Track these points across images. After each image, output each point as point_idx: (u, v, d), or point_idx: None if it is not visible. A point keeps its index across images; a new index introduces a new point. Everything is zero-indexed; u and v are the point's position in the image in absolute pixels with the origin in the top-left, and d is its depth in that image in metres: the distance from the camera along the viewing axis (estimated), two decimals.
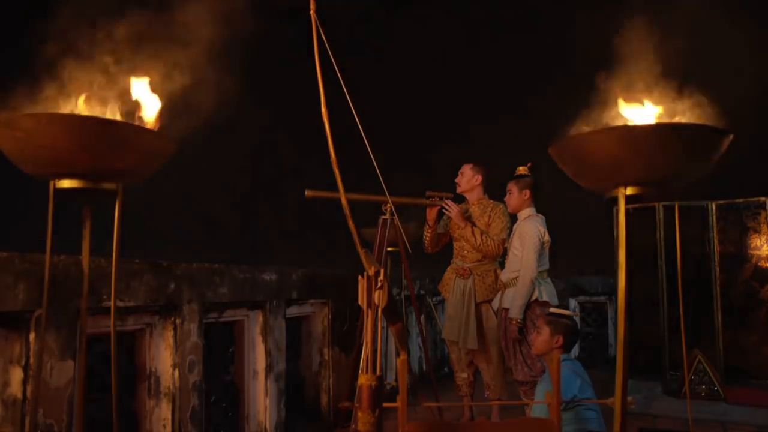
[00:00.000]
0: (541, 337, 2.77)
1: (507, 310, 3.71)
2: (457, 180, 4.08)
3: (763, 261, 5.30)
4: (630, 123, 1.77)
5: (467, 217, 3.96)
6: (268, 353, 3.49)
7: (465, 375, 4.06)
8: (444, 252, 4.24)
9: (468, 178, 4.04)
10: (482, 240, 3.86)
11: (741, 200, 5.42)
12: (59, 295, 2.23)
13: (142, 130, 1.77)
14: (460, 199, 4.07)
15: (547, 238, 3.70)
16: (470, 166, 4.06)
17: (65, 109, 1.78)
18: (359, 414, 1.39)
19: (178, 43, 1.92)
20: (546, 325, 2.78)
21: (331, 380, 4.14)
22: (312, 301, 4.11)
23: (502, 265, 3.94)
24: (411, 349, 5.57)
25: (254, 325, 3.51)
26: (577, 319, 2.95)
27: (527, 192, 3.78)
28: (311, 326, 4.20)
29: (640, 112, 1.79)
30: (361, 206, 3.62)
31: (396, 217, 3.63)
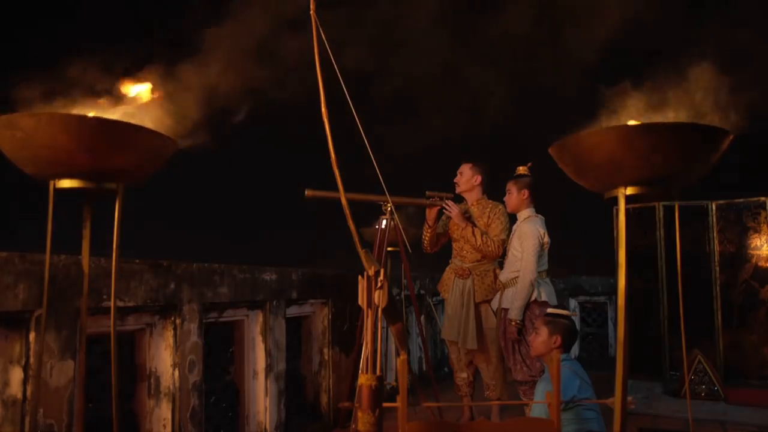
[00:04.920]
0: (540, 338, 2.77)
1: (506, 310, 3.71)
2: (456, 180, 4.07)
3: (763, 261, 5.30)
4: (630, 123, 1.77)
5: (467, 218, 3.96)
6: (268, 353, 3.48)
7: (465, 375, 4.06)
8: (444, 252, 4.24)
9: (467, 178, 4.03)
10: (482, 240, 3.86)
11: (741, 200, 5.42)
12: (59, 295, 2.23)
13: (142, 130, 1.77)
14: (459, 199, 4.07)
15: (546, 239, 3.70)
16: (470, 165, 4.04)
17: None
18: (359, 414, 1.39)
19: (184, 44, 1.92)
20: (544, 325, 2.78)
21: (331, 380, 4.14)
22: (312, 301, 4.11)
23: (501, 265, 3.94)
24: (411, 349, 5.57)
25: (254, 325, 3.51)
26: (575, 318, 2.95)
27: (526, 192, 3.78)
28: (311, 326, 4.20)
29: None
30: (361, 206, 3.63)
31: (396, 217, 3.64)
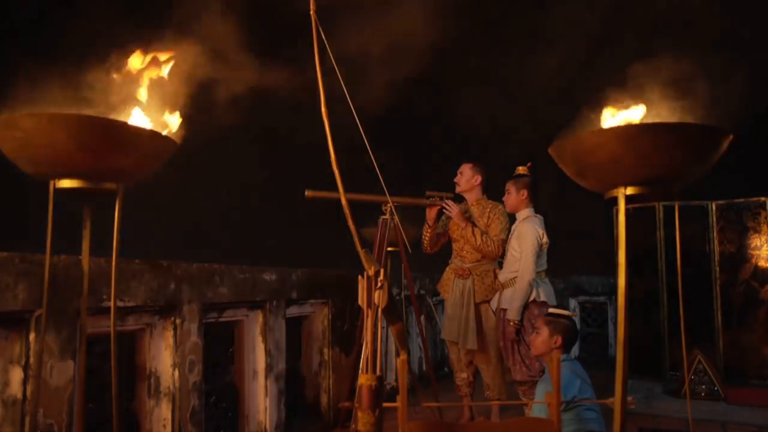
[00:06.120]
0: (540, 338, 2.77)
1: (505, 310, 3.71)
2: (456, 180, 4.08)
3: (763, 261, 5.30)
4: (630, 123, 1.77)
5: (467, 217, 3.96)
6: (268, 353, 3.48)
7: (464, 375, 4.06)
8: (444, 252, 4.24)
9: (467, 178, 4.03)
10: (482, 240, 3.86)
11: (741, 200, 5.42)
12: (59, 295, 2.23)
13: (142, 130, 1.77)
14: (459, 198, 4.07)
15: (545, 239, 3.70)
16: (470, 165, 4.05)
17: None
18: (359, 414, 1.39)
19: (183, 38, 1.92)
20: (545, 325, 2.78)
21: (331, 380, 4.14)
22: (312, 301, 4.11)
23: (501, 266, 3.94)
24: (411, 349, 5.57)
25: (254, 325, 3.51)
26: (576, 319, 2.95)
27: (525, 192, 3.78)
28: (311, 326, 4.20)
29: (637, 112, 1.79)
30: (361, 206, 3.63)
31: (396, 217, 3.64)
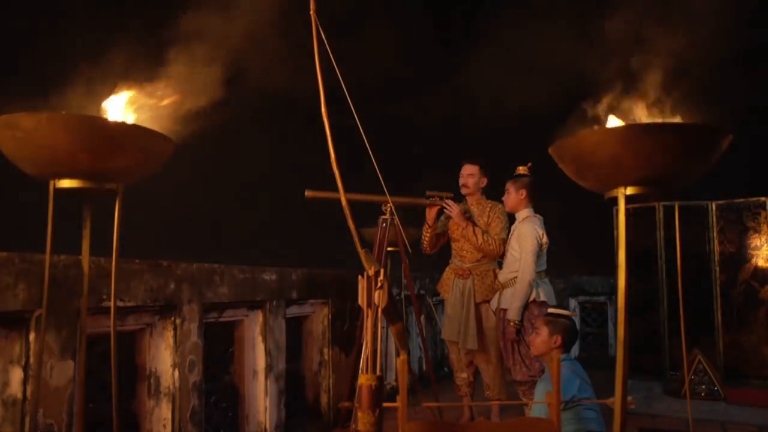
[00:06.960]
0: (540, 338, 2.77)
1: (505, 310, 3.71)
2: (463, 181, 4.06)
3: (763, 261, 5.30)
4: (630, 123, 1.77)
5: (468, 217, 3.96)
6: (268, 353, 3.48)
7: (464, 375, 4.06)
8: (444, 252, 4.24)
9: (476, 180, 4.04)
10: (483, 239, 3.86)
11: (741, 200, 5.42)
12: (59, 295, 2.23)
13: (142, 130, 1.78)
14: (459, 198, 4.07)
15: (545, 240, 3.70)
16: (478, 167, 4.04)
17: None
18: (359, 414, 1.39)
19: (184, 38, 1.92)
20: (544, 325, 2.78)
21: (331, 380, 4.14)
22: (312, 301, 4.11)
23: (500, 266, 3.94)
24: (411, 349, 5.57)
25: (254, 325, 3.51)
26: (576, 319, 2.95)
27: (524, 192, 3.78)
28: (311, 326, 4.20)
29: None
30: (361, 206, 3.62)
31: (396, 217, 3.63)
